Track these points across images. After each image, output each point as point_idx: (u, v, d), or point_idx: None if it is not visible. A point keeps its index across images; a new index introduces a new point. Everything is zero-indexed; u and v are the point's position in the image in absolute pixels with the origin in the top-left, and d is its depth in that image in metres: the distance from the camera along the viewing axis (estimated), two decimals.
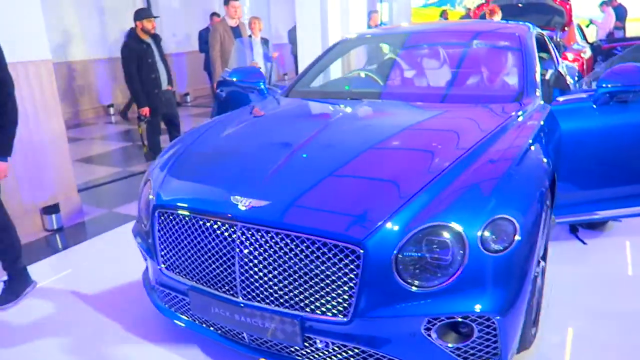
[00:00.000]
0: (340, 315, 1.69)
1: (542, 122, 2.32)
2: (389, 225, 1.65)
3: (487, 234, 1.64)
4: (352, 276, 1.65)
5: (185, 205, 1.98)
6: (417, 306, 1.63)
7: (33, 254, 3.39)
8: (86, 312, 2.66)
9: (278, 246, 1.74)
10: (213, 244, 1.88)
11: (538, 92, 2.65)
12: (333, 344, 1.75)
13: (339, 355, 1.78)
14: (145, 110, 5.00)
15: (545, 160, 2.06)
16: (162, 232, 2.06)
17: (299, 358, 1.85)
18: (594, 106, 2.64)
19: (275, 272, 1.76)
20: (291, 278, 1.74)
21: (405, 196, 1.72)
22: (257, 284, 1.80)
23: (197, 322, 2.09)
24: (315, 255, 1.69)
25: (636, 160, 2.58)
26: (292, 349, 1.84)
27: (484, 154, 1.93)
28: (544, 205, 1.86)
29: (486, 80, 3.08)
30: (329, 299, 1.70)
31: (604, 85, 2.58)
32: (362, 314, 1.65)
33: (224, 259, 1.86)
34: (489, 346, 1.70)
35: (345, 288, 1.66)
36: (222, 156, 2.29)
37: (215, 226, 1.87)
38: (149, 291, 2.35)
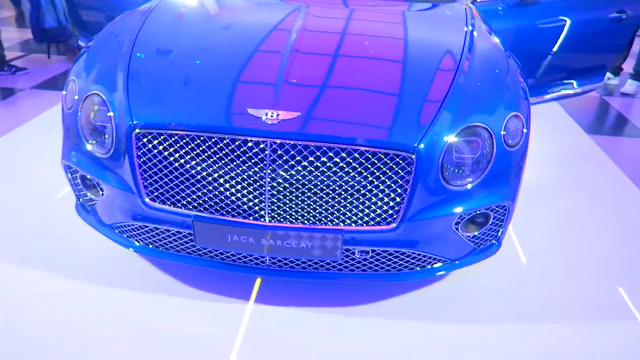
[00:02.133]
0: (386, 224, 1.69)
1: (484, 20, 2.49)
2: (433, 129, 1.65)
3: (506, 131, 1.77)
4: (402, 183, 1.63)
5: (186, 122, 1.63)
6: (454, 205, 1.73)
7: None
8: None
9: (321, 161, 1.61)
10: (232, 165, 1.63)
11: None
12: (373, 251, 1.76)
13: (376, 261, 1.80)
14: None
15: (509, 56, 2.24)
16: (145, 159, 1.69)
17: (331, 271, 1.82)
18: (504, 8, 2.93)
19: (316, 190, 1.64)
20: (335, 193, 1.64)
21: (436, 101, 1.72)
22: (291, 204, 1.66)
23: (190, 254, 1.85)
24: (364, 166, 1.61)
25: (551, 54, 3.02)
26: (324, 264, 1.80)
27: (475, 54, 2.01)
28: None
29: None
30: (375, 208, 1.67)
31: None
32: (409, 219, 1.68)
33: (249, 181, 1.64)
34: (494, 230, 1.91)
35: (394, 196, 1.65)
36: (199, 56, 1.92)
37: (235, 145, 1.61)
38: (106, 231, 1.95)
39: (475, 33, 2.19)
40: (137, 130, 1.66)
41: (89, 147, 1.81)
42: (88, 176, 1.87)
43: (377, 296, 2.02)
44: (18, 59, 4.99)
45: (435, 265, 1.86)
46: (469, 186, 1.72)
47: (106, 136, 1.77)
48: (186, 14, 2.34)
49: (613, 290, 2.14)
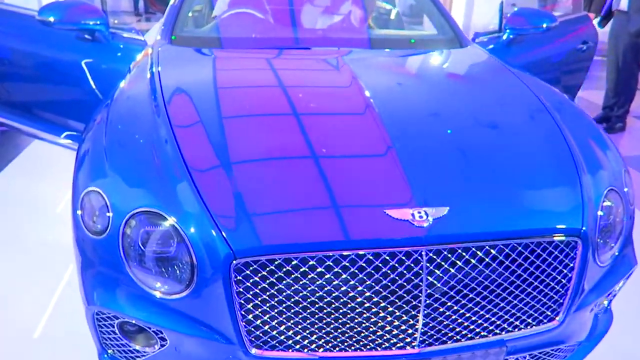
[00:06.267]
0: (549, 320, 1.41)
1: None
2: (587, 205, 1.42)
3: (627, 187, 1.60)
4: (567, 272, 1.37)
5: (308, 242, 1.21)
6: (605, 283, 1.51)
7: None
8: None
9: (486, 263, 1.29)
10: (377, 287, 1.24)
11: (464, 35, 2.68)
12: (531, 356, 1.47)
13: None
14: None
15: None
16: (249, 296, 1.22)
17: None
18: (497, 47, 2.87)
19: (477, 297, 1.31)
20: (498, 297, 1.33)
21: (571, 173, 1.49)
22: (447, 322, 1.31)
23: None
24: (529, 261, 1.32)
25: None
26: None
27: (554, 105, 1.84)
28: None
29: (405, 22, 2.92)
30: (539, 306, 1.38)
31: (509, 29, 2.79)
32: (573, 310, 1.42)
33: (398, 302, 1.25)
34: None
35: (559, 288, 1.38)
36: (273, 145, 1.50)
37: (378, 261, 1.22)
38: None
39: (528, 81, 2.04)
40: (236, 261, 1.20)
41: (145, 284, 1.29)
42: (134, 322, 1.34)
43: None
44: None
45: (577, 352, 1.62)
46: (615, 253, 1.51)
47: (177, 269, 1.27)
48: (207, 86, 1.87)
49: None
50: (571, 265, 1.37)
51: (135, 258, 1.29)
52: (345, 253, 1.21)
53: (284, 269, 1.21)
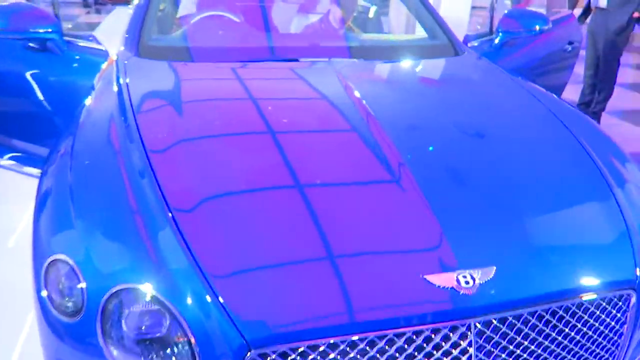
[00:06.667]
0: None
1: None
2: (637, 249, 1.26)
3: None
4: (618, 327, 1.22)
5: (336, 323, 1.00)
6: None
7: None
8: None
9: (538, 330, 1.11)
10: None
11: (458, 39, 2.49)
12: None
13: None
14: None
15: None
16: None
17: None
18: (490, 52, 2.71)
19: None
20: None
21: (610, 205, 1.33)
22: None
23: None
24: (582, 320, 1.16)
25: None
26: None
27: (571, 123, 1.68)
28: None
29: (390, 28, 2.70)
30: None
31: (502, 32, 2.62)
32: None
33: None
34: None
35: (608, 345, 1.22)
36: (275, 195, 1.25)
37: (421, 340, 1.02)
38: None
39: (540, 95, 1.88)
40: (252, 352, 0.97)
41: None
42: None
43: None
44: None
45: None
46: None
47: (173, 358, 1.03)
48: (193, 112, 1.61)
49: None
50: (623, 319, 1.22)
51: (120, 344, 1.04)
52: (378, 334, 1.00)
53: (309, 357, 0.99)
